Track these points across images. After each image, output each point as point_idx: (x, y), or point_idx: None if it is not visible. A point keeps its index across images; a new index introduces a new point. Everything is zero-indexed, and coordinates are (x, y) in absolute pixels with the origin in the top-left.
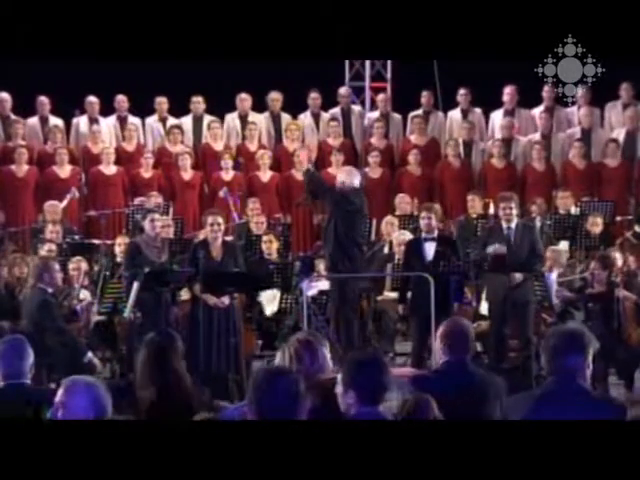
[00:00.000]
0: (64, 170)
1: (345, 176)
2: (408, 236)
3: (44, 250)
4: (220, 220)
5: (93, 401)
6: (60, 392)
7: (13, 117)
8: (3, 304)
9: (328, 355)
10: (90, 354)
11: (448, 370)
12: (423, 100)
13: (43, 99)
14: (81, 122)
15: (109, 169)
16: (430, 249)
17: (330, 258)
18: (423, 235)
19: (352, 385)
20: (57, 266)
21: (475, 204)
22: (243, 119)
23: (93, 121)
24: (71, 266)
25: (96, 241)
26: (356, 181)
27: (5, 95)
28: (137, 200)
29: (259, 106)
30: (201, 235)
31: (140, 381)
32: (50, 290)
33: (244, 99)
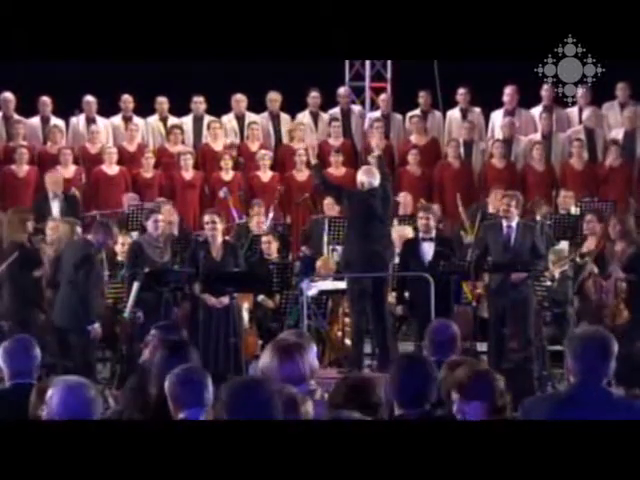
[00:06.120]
0: (68, 170)
1: (363, 177)
2: (408, 230)
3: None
4: (216, 218)
5: None
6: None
7: (15, 117)
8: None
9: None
10: (97, 324)
11: None
12: (421, 100)
13: (45, 99)
14: (79, 121)
15: (112, 169)
16: (427, 250)
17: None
18: (421, 235)
19: (397, 387)
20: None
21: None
22: (239, 120)
23: (90, 121)
24: None
25: None
26: (375, 181)
27: (9, 95)
28: (137, 201)
29: (259, 106)
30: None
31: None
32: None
33: (239, 100)
